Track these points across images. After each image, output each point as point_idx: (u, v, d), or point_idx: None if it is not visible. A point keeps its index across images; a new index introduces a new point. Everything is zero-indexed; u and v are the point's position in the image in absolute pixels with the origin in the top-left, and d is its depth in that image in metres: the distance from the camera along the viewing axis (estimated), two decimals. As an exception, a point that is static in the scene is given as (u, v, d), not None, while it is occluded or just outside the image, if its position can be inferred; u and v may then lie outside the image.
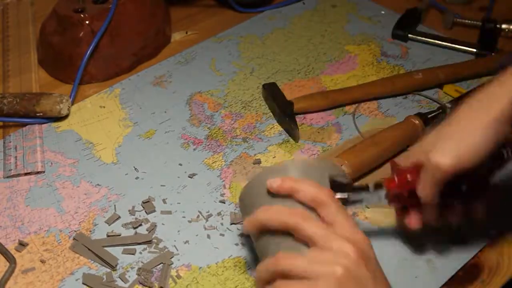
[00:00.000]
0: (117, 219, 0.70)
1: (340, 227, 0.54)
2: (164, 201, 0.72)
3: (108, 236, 0.68)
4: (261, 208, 0.56)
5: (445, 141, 0.57)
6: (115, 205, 0.71)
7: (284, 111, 0.81)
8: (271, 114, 0.84)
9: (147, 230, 0.68)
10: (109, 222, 0.69)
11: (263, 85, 0.86)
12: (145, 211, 0.70)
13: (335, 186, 0.59)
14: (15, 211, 0.71)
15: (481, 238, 0.68)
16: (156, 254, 0.66)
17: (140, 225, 0.69)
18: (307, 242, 0.54)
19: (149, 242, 0.67)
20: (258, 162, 0.77)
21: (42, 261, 0.65)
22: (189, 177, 0.75)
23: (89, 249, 0.66)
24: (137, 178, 0.75)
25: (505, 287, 0.65)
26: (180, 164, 0.77)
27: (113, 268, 0.64)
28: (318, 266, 0.51)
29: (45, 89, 0.87)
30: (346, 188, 0.61)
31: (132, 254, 0.66)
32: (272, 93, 0.84)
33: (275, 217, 0.55)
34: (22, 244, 0.66)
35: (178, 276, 0.64)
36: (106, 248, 0.66)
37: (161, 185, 0.74)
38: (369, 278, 0.52)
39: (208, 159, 0.77)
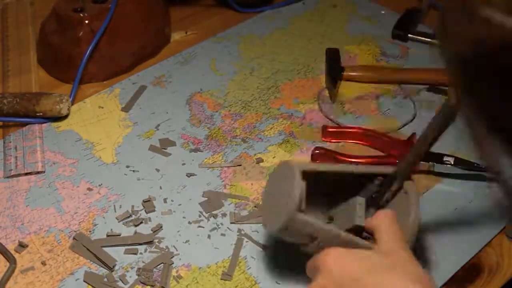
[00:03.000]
0: (128, 217, 0.70)
1: None
2: (164, 200, 0.72)
3: (108, 236, 0.68)
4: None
5: None
6: (114, 205, 0.71)
7: (331, 73, 0.88)
8: (270, 114, 0.84)
9: (152, 230, 0.68)
10: (119, 219, 0.69)
11: (327, 49, 0.92)
12: (145, 211, 0.70)
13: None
14: (15, 211, 0.71)
15: (481, 238, 0.69)
16: (156, 254, 0.66)
17: (141, 222, 0.69)
18: None
19: (150, 242, 0.67)
20: (260, 161, 0.77)
21: (43, 263, 0.65)
22: (189, 177, 0.75)
23: (88, 250, 0.66)
24: (137, 178, 0.75)
25: (505, 287, 0.66)
26: (181, 164, 0.77)
27: (110, 269, 0.64)
28: None
29: (45, 89, 0.87)
30: None
31: (134, 254, 0.66)
32: (330, 56, 0.91)
33: None
34: (22, 245, 0.66)
35: (179, 276, 0.64)
36: (106, 248, 0.66)
37: (161, 185, 0.74)
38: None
39: (208, 159, 0.77)
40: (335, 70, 0.89)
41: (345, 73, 0.89)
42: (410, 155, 0.59)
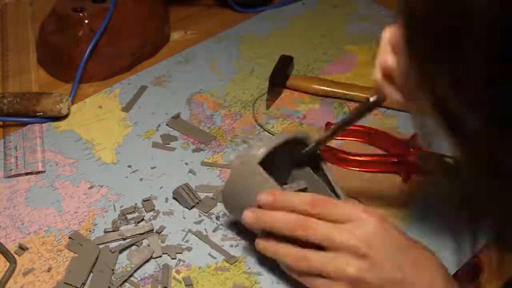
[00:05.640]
0: (132, 212, 0.70)
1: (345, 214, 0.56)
2: (165, 200, 0.72)
3: (105, 232, 0.68)
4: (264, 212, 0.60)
5: None
6: (114, 205, 0.71)
7: (274, 79, 0.86)
8: (270, 114, 0.84)
9: (156, 232, 0.68)
10: (125, 212, 0.70)
11: (281, 55, 0.90)
12: (145, 210, 0.70)
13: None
14: (15, 211, 0.70)
15: (481, 238, 0.68)
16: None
17: (143, 219, 0.69)
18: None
19: (150, 231, 0.68)
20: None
21: (49, 269, 0.64)
22: (189, 177, 0.75)
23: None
24: (137, 178, 0.75)
25: (505, 287, 0.65)
26: (181, 164, 0.77)
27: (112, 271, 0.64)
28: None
29: (45, 88, 0.87)
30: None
31: (137, 246, 0.66)
32: (281, 62, 0.89)
33: (279, 225, 0.58)
34: (21, 248, 0.66)
35: (179, 276, 0.64)
36: (106, 245, 0.66)
37: (161, 185, 0.74)
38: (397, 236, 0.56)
39: (208, 159, 0.77)
40: (279, 76, 0.87)
41: (288, 82, 0.87)
42: (331, 130, 0.65)
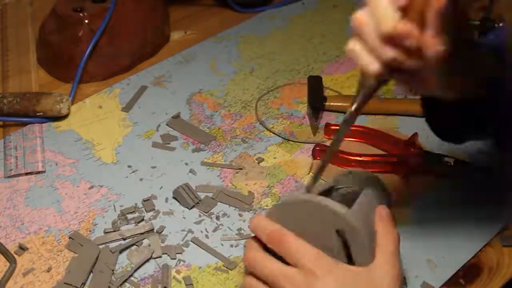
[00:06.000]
0: (132, 212, 0.70)
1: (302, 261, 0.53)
2: (165, 200, 0.72)
3: (106, 232, 0.68)
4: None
5: None
6: (114, 205, 0.71)
7: (313, 103, 0.84)
8: (270, 114, 0.84)
9: (156, 231, 0.68)
10: (125, 212, 0.70)
11: (308, 77, 0.88)
12: (145, 210, 0.70)
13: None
14: (15, 211, 0.70)
15: (481, 238, 0.69)
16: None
17: (143, 219, 0.69)
18: None
19: (151, 231, 0.68)
20: (260, 160, 0.77)
21: (49, 269, 0.64)
22: (189, 177, 0.75)
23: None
24: (137, 178, 0.75)
25: (505, 287, 0.66)
26: (181, 164, 0.77)
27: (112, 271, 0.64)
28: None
29: (45, 88, 0.87)
30: None
31: (137, 246, 0.66)
32: (312, 85, 0.86)
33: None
34: (21, 248, 0.66)
35: (179, 276, 0.64)
36: (106, 245, 0.66)
37: (161, 185, 0.74)
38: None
39: (208, 159, 0.77)
40: (317, 100, 0.84)
41: (327, 103, 0.84)
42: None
